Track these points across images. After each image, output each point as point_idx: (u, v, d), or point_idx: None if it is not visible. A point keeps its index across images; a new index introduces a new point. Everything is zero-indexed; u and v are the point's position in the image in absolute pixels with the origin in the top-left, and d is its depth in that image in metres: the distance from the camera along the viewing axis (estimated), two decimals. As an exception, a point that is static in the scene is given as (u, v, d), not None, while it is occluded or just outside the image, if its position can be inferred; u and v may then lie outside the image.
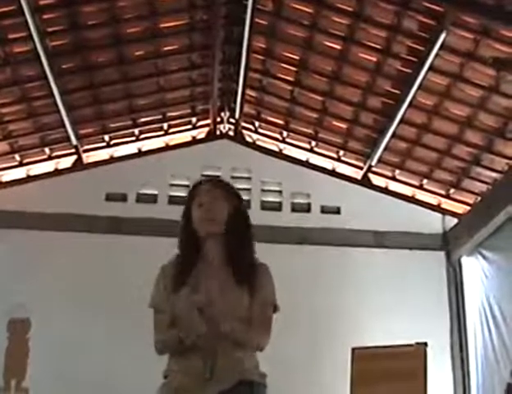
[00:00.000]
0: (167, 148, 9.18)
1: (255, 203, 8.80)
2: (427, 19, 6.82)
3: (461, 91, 7.47)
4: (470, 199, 8.73)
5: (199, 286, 2.85)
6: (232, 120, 9.21)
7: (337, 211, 9.04)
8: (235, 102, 8.84)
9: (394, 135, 8.31)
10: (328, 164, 9.19)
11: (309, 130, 8.90)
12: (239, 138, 9.22)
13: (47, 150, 8.70)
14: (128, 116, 8.67)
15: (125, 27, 7.44)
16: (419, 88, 7.49)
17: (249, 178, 8.83)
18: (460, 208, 8.92)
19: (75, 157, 8.86)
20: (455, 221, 8.93)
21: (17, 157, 8.58)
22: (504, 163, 7.93)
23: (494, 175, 8.16)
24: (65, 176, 8.80)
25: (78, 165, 8.88)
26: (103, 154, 9.03)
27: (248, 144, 9.19)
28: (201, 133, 9.32)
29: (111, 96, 8.31)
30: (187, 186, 8.91)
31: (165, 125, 9.03)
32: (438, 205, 9.08)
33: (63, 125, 8.26)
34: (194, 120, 9.19)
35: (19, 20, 6.78)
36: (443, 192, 8.92)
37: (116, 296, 7.98)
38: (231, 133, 9.30)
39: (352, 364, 7.17)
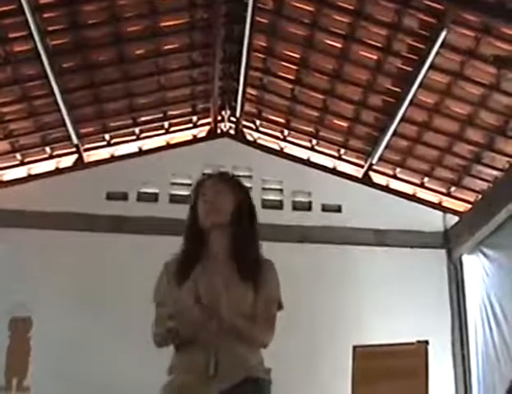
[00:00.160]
0: (168, 146, 9.18)
1: (256, 201, 8.64)
2: (428, 17, 6.81)
3: (462, 89, 7.47)
4: (471, 197, 8.73)
5: (203, 280, 2.83)
6: (233, 118, 9.21)
7: (338, 209, 9.04)
8: (235, 100, 8.84)
9: (395, 133, 8.31)
10: (329, 162, 9.19)
11: (310, 129, 8.89)
12: (240, 136, 9.23)
13: (47, 149, 8.70)
14: (129, 114, 8.67)
15: (125, 26, 7.44)
16: (420, 86, 7.48)
17: (249, 176, 8.81)
18: (461, 206, 8.92)
19: (75, 156, 8.86)
20: (456, 219, 8.93)
21: (18, 156, 8.58)
22: (505, 161, 7.93)
23: (495, 173, 8.16)
24: (66, 175, 8.80)
25: (79, 164, 8.88)
26: (104, 153, 9.03)
27: (249, 143, 9.19)
28: (202, 131, 9.32)
29: (111, 95, 8.31)
30: (188, 185, 8.92)
31: (166, 124, 9.03)
32: (439, 203, 9.08)
33: (64, 124, 8.26)
34: (194, 118, 9.19)
35: (19, 19, 6.77)
36: (444, 190, 8.92)
37: (117, 295, 7.99)
38: (232, 131, 9.30)
39: (353, 363, 7.17)
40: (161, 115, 8.85)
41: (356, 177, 9.12)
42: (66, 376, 7.59)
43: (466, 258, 8.64)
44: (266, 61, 8.19)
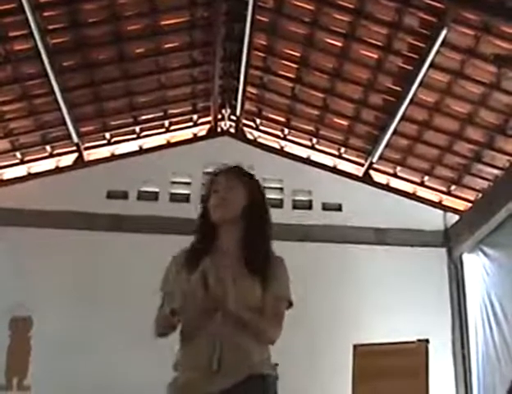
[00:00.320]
0: (168, 145, 9.18)
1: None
2: (428, 16, 6.81)
3: (462, 88, 7.47)
4: (471, 195, 8.73)
5: (211, 272, 2.75)
6: (233, 117, 9.21)
7: (338, 208, 9.04)
8: (236, 99, 8.84)
9: (395, 132, 8.31)
10: (329, 161, 9.19)
11: (310, 127, 8.90)
12: (240, 135, 9.23)
13: (48, 148, 8.70)
14: (129, 113, 8.68)
15: (125, 24, 7.44)
16: (420, 85, 7.48)
17: (250, 175, 8.81)
18: (461, 205, 8.92)
19: (76, 154, 8.86)
20: (457, 217, 8.94)
21: (18, 154, 8.59)
22: (505, 160, 7.93)
23: (495, 171, 8.16)
24: (66, 174, 8.80)
25: (79, 163, 8.88)
26: (104, 152, 9.03)
27: (249, 142, 9.19)
28: (202, 130, 9.32)
29: (112, 94, 8.31)
30: (188, 184, 8.95)
31: (166, 123, 9.03)
32: (439, 202, 9.08)
33: (64, 123, 8.26)
34: (195, 117, 9.19)
35: (19, 18, 6.78)
36: (444, 189, 8.92)
37: (117, 294, 7.98)
38: (232, 130, 9.30)
39: (353, 361, 7.18)
40: (161, 113, 8.85)
41: (356, 176, 9.12)
42: (67, 375, 7.59)
43: (466, 257, 8.64)
44: (266, 59, 8.19)
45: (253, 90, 8.72)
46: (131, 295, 7.90)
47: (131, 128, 8.90)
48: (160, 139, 9.17)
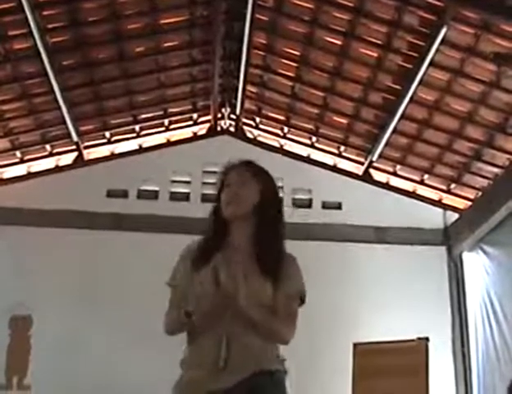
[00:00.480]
0: (168, 144, 9.18)
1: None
2: (428, 14, 6.81)
3: (462, 86, 7.46)
4: (471, 194, 8.73)
5: (222, 268, 2.72)
6: (233, 116, 9.21)
7: (338, 206, 9.04)
8: (235, 98, 8.84)
9: (395, 131, 8.31)
10: (329, 160, 9.19)
11: (310, 126, 8.89)
12: (240, 134, 9.23)
13: (47, 147, 8.70)
14: (129, 112, 8.67)
15: (125, 23, 7.44)
16: (420, 83, 7.48)
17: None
18: (461, 204, 8.91)
19: (75, 153, 8.86)
20: (456, 216, 8.93)
21: (18, 154, 8.59)
22: (505, 158, 7.92)
23: (495, 170, 8.16)
24: (66, 173, 8.80)
25: (79, 161, 8.88)
26: (104, 151, 9.03)
27: (249, 140, 9.18)
28: (202, 129, 9.32)
29: (111, 92, 8.31)
30: (188, 182, 8.95)
31: (166, 122, 9.03)
32: (439, 200, 9.08)
33: (64, 122, 8.26)
34: (194, 116, 9.19)
35: (19, 17, 6.78)
36: (444, 187, 8.92)
37: (117, 293, 7.99)
38: (232, 129, 9.30)
39: (353, 360, 7.19)
40: (161, 112, 8.85)
41: (356, 174, 9.12)
42: (67, 374, 7.60)
43: (466, 256, 8.63)
44: (266, 58, 8.19)
45: (253, 89, 8.72)
46: (131, 293, 7.91)
47: (131, 127, 8.90)
48: (160, 138, 9.17)
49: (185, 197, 8.93)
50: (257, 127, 9.23)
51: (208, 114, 9.15)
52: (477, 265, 8.37)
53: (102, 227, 8.41)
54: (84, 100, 8.26)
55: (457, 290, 8.66)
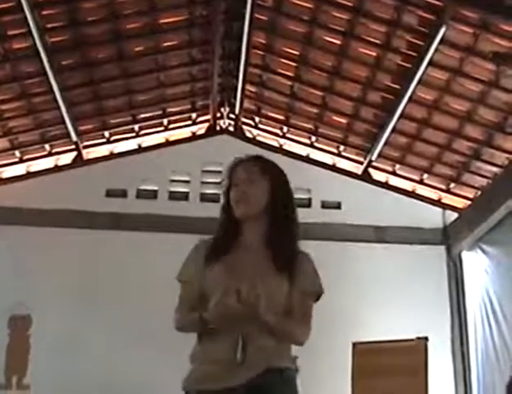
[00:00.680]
0: (167, 143, 9.18)
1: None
2: (427, 13, 6.81)
3: (461, 86, 7.46)
4: (470, 193, 8.73)
5: (235, 266, 2.70)
6: (232, 115, 9.20)
7: (338, 206, 9.04)
8: (235, 97, 8.84)
9: (394, 130, 8.31)
10: (328, 159, 9.19)
11: (309, 126, 8.89)
12: (239, 133, 9.22)
13: (47, 147, 8.70)
14: (128, 112, 8.67)
15: (124, 23, 7.44)
16: (419, 83, 7.48)
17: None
18: (461, 203, 8.92)
19: (75, 153, 8.86)
20: (456, 215, 8.93)
21: (17, 153, 8.59)
22: (504, 158, 7.93)
23: (494, 169, 8.16)
24: (65, 173, 8.80)
25: (78, 161, 8.88)
26: (103, 150, 9.03)
27: (248, 140, 9.18)
28: (201, 129, 9.31)
29: (111, 92, 8.30)
30: (187, 182, 8.95)
31: (165, 121, 9.03)
32: (438, 200, 9.08)
33: (63, 122, 8.26)
34: (194, 115, 9.19)
35: (18, 17, 6.78)
36: (443, 186, 8.92)
37: (116, 292, 8.00)
38: (231, 128, 9.30)
39: (353, 359, 7.20)
40: (160, 112, 8.85)
41: (355, 174, 9.12)
42: (66, 373, 7.60)
43: (465, 255, 8.64)
44: (265, 58, 8.19)
45: (252, 88, 8.72)
46: (131, 292, 7.92)
47: (130, 126, 8.89)
48: (159, 138, 9.17)
49: (184, 196, 8.93)
50: (256, 127, 9.23)
51: (207, 114, 9.15)
52: (476, 264, 8.37)
53: (101, 227, 8.41)
54: (83, 100, 8.26)
55: (456, 289, 8.66)
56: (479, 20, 6.61)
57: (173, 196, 8.91)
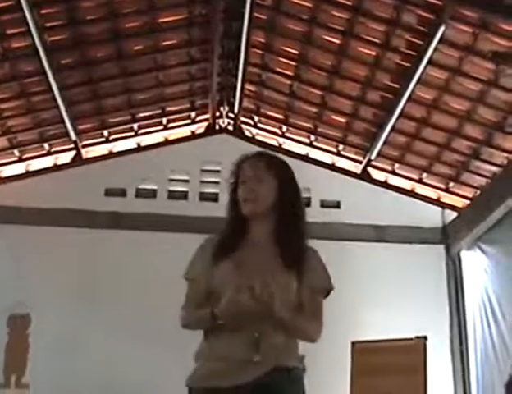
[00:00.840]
0: (166, 142, 9.18)
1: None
2: (426, 13, 6.80)
3: (460, 85, 7.46)
4: (470, 192, 8.73)
5: (244, 264, 2.68)
6: (231, 114, 9.20)
7: (337, 205, 9.04)
8: (234, 96, 8.84)
9: (393, 129, 8.30)
10: (328, 158, 9.19)
11: (309, 125, 8.89)
12: (238, 132, 9.22)
13: (46, 146, 8.70)
14: (127, 111, 8.67)
15: (123, 22, 7.43)
16: (418, 82, 7.48)
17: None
18: (460, 202, 8.92)
19: (74, 152, 8.85)
20: (455, 214, 8.94)
21: (16, 152, 8.58)
22: (503, 157, 7.93)
23: (493, 169, 8.15)
24: (64, 172, 8.80)
25: (77, 160, 8.87)
26: (102, 149, 9.03)
27: (247, 139, 9.18)
28: (200, 128, 9.31)
29: (110, 91, 8.30)
30: (186, 181, 8.95)
31: (164, 120, 9.03)
32: (438, 199, 9.08)
33: (62, 121, 8.26)
34: (193, 114, 9.18)
35: (17, 16, 6.77)
36: (442, 186, 8.92)
37: (115, 291, 8.00)
38: (230, 127, 9.30)
39: (352, 358, 7.20)
40: (159, 111, 8.84)
41: (355, 173, 9.12)
42: (65, 373, 7.60)
43: (464, 254, 8.64)
44: (264, 57, 8.18)
45: (252, 88, 8.72)
46: (130, 292, 7.92)
47: (129, 125, 8.89)
48: (158, 137, 9.16)
49: (184, 196, 8.93)
50: (255, 126, 9.23)
51: (206, 113, 9.15)
52: (475, 264, 8.37)
53: (100, 226, 8.41)
54: (82, 99, 8.25)
55: (455, 288, 8.67)
56: (478, 19, 6.60)
57: (172, 195, 8.90)
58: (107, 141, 8.96)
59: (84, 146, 8.84)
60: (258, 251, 2.78)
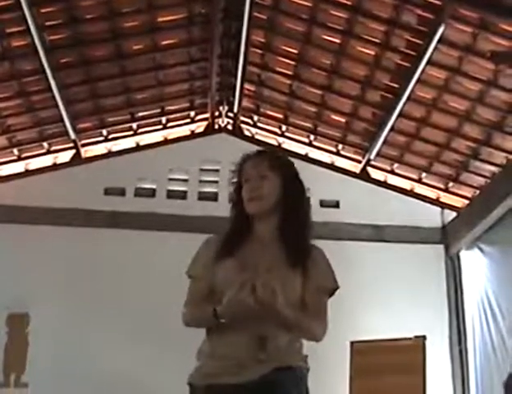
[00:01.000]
0: (166, 142, 9.17)
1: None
2: (426, 12, 6.80)
3: (460, 85, 7.46)
4: (469, 192, 8.73)
5: (248, 262, 2.68)
6: (231, 114, 9.20)
7: (336, 205, 9.04)
8: (233, 96, 8.83)
9: (392, 129, 8.30)
10: (327, 158, 9.19)
11: (308, 124, 8.89)
12: (237, 132, 9.22)
13: (45, 145, 8.69)
14: (126, 110, 8.66)
15: (123, 21, 7.42)
16: (418, 81, 7.48)
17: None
18: (459, 202, 8.92)
19: (73, 151, 8.85)
20: (454, 214, 8.94)
21: (15, 151, 8.57)
22: (502, 157, 7.92)
23: (493, 168, 8.16)
24: (63, 171, 8.79)
25: (76, 159, 8.87)
26: (102, 149, 9.03)
27: (246, 138, 9.17)
28: (199, 127, 9.31)
29: (109, 90, 8.29)
30: (185, 180, 8.94)
31: (163, 120, 9.02)
32: (437, 199, 9.08)
33: (61, 120, 8.25)
34: (192, 114, 9.18)
35: (16, 14, 6.76)
36: (442, 186, 8.92)
37: (115, 291, 7.99)
38: (230, 127, 9.29)
39: (351, 358, 7.20)
40: (158, 110, 8.84)
41: (354, 173, 9.12)
42: (65, 372, 7.60)
43: (464, 254, 8.64)
44: (264, 56, 8.18)
45: (251, 87, 8.72)
46: (130, 291, 7.91)
47: (128, 125, 8.88)
48: (157, 136, 9.16)
49: (183, 195, 8.92)
50: (255, 125, 9.23)
51: (205, 112, 9.15)
52: (474, 263, 8.38)
53: (99, 225, 8.40)
54: (81, 98, 8.25)
55: (454, 288, 8.67)
56: (478, 19, 6.60)
57: (171, 195, 8.89)
58: (107, 140, 8.95)
59: (83, 145, 8.84)
60: (262, 249, 2.77)
